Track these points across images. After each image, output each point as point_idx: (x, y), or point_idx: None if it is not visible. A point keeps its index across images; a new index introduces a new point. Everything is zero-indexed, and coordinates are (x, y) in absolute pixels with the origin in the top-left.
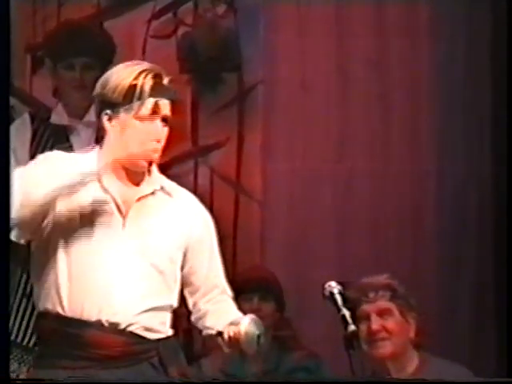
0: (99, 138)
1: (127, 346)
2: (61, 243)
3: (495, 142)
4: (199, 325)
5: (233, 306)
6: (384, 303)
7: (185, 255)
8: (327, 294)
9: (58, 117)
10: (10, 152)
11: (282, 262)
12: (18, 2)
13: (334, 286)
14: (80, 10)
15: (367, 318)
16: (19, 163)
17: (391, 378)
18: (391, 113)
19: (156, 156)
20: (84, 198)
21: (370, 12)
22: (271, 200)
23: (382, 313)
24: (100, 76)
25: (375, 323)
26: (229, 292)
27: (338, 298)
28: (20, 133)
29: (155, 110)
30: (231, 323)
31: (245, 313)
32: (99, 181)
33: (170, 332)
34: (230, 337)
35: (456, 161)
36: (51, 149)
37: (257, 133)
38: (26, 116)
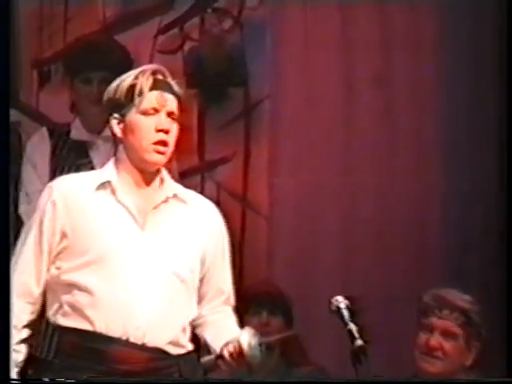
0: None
1: (150, 362)
2: (81, 259)
3: (502, 157)
4: (197, 331)
5: (233, 319)
6: (453, 326)
7: (202, 263)
8: (334, 308)
9: (77, 132)
10: (30, 167)
11: (288, 276)
12: (25, 18)
13: (340, 301)
14: (86, 26)
15: (430, 330)
16: (40, 178)
17: (391, 378)
18: (397, 127)
19: (165, 150)
20: (100, 213)
21: (376, 27)
22: (278, 214)
23: (446, 333)
24: None
25: (435, 340)
26: (232, 301)
27: (345, 312)
28: (39, 148)
29: (158, 103)
30: (228, 343)
31: (254, 327)
32: (113, 193)
33: (190, 346)
34: (231, 354)
35: (462, 175)
36: (71, 164)
37: (263, 147)
38: (45, 131)
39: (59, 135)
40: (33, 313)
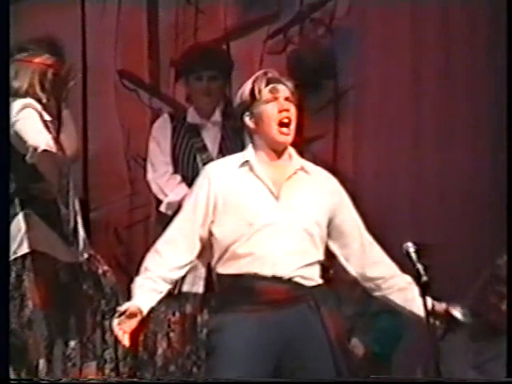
0: (224, 135)
1: (290, 292)
2: (231, 224)
3: None
4: (380, 291)
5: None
6: None
7: (330, 217)
8: (405, 252)
9: (192, 117)
10: (155, 144)
11: (369, 227)
12: (165, 28)
13: (410, 246)
14: (211, 33)
15: (502, 297)
16: (163, 153)
17: (391, 378)
18: (456, 112)
19: (288, 131)
20: (242, 186)
21: (438, 27)
22: (360, 179)
23: None
24: (222, 85)
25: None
26: (378, 247)
27: (414, 255)
28: (163, 129)
29: (274, 92)
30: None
31: None
32: (252, 170)
33: (320, 281)
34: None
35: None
36: (187, 142)
37: (349, 127)
38: (166, 116)
39: (178, 120)
40: (187, 259)
